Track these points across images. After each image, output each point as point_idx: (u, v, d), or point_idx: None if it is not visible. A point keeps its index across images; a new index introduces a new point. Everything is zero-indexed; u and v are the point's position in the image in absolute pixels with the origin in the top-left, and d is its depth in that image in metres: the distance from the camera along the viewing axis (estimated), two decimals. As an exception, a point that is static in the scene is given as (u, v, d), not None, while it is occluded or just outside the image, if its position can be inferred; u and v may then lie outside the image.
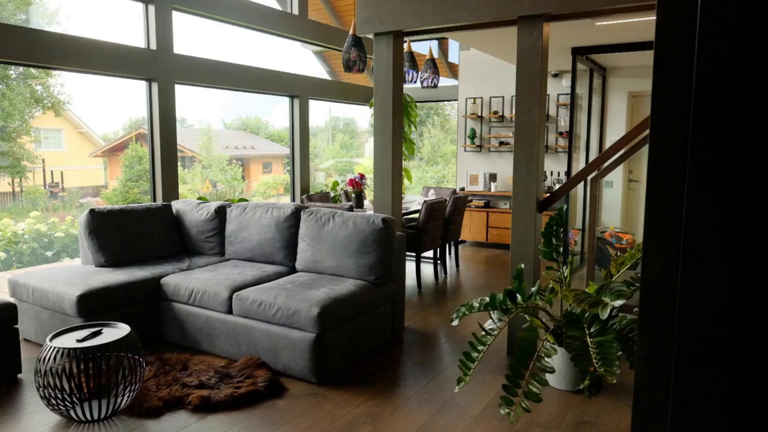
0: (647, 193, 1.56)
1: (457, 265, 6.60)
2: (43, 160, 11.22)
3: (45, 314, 3.78)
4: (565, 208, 3.21)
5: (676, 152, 1.49)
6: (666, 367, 1.59)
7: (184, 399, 3.05)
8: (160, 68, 5.60)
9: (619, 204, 7.18)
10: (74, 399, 2.77)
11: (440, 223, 5.75)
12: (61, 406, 2.77)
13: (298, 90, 7.61)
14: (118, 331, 3.01)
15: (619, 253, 5.98)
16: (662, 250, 1.55)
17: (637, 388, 1.65)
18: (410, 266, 5.82)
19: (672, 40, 1.43)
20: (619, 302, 2.31)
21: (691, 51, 1.40)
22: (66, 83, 11.10)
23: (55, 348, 2.76)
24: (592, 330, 2.55)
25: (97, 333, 2.96)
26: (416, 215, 5.96)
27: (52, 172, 11.53)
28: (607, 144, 7.14)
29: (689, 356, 1.55)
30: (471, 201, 7.78)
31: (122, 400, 2.88)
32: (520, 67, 3.49)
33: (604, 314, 2.28)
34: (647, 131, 3.32)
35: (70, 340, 2.86)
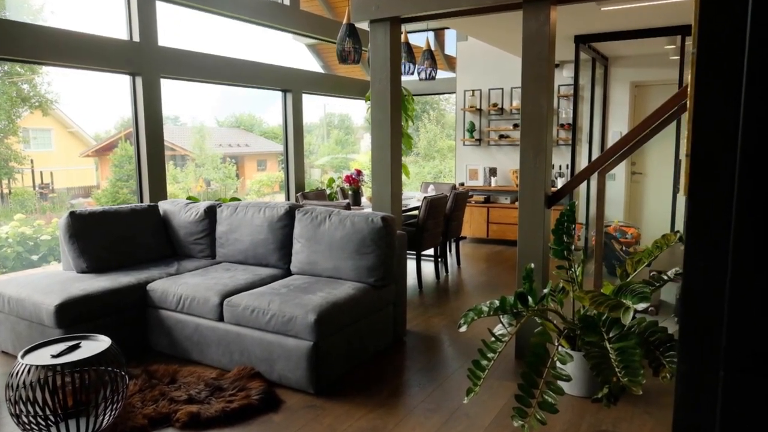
0: (689, 188, 1.34)
1: (459, 263, 6.40)
2: (32, 161, 10.98)
3: (22, 325, 3.56)
4: (575, 203, 3.00)
5: (724, 140, 1.28)
6: (712, 383, 1.38)
7: (171, 416, 2.83)
8: (144, 61, 5.36)
9: (622, 197, 6.98)
10: (49, 420, 2.55)
11: (441, 220, 5.54)
12: (35, 428, 2.55)
13: (290, 84, 7.37)
14: (98, 344, 2.78)
15: (624, 248, 5.79)
16: (707, 254, 1.33)
17: (678, 405, 1.44)
18: (410, 265, 5.60)
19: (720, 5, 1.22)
20: (642, 305, 2.11)
21: (744, 15, 1.19)
22: (53, 81, 10.84)
23: (26, 365, 2.53)
24: (611, 335, 2.35)
25: (75, 347, 2.74)
26: (416, 212, 5.74)
27: (41, 172, 11.29)
28: (610, 136, 6.94)
29: (740, 371, 1.34)
30: (471, 196, 7.57)
31: (104, 419, 2.66)
32: (525, 55, 3.27)
33: (627, 319, 2.08)
34: (660, 120, 3.11)
35: (44, 356, 2.63)
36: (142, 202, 5.48)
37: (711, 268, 1.30)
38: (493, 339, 2.55)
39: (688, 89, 1.64)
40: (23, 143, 11.00)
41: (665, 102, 2.93)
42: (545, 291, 2.76)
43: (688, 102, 1.54)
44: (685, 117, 4.42)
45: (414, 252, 5.30)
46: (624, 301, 2.16)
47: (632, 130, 3.12)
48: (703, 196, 1.27)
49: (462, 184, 7.84)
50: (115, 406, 2.69)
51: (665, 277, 2.55)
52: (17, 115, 10.94)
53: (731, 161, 1.25)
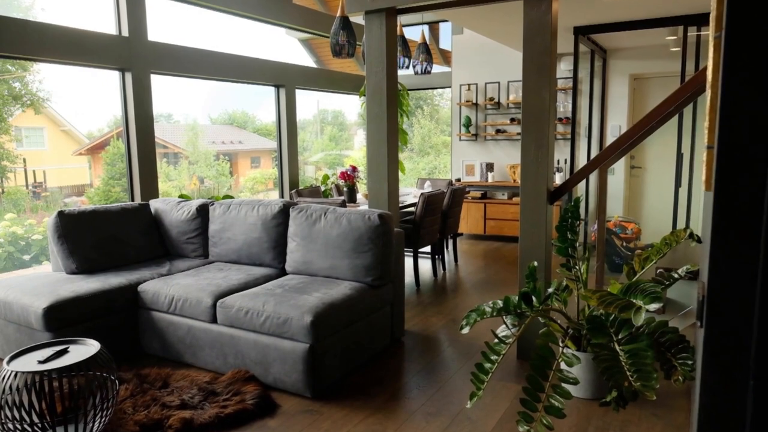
0: (716, 181, 1.25)
1: (456, 260, 6.31)
2: (24, 160, 10.84)
3: (10, 328, 3.45)
4: (580, 198, 2.91)
5: (755, 129, 1.19)
6: (740, 393, 1.29)
7: (163, 422, 2.73)
8: (133, 56, 5.23)
9: (622, 192, 6.91)
10: (36, 427, 2.45)
11: (438, 217, 5.44)
12: (21, 438, 2.44)
13: (284, 79, 7.25)
14: (87, 348, 2.68)
15: (624, 243, 5.72)
16: (735, 253, 1.24)
17: (702, 417, 1.35)
18: (407, 263, 5.50)
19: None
20: (654, 306, 2.02)
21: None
22: (45, 79, 10.69)
23: (12, 372, 2.43)
24: (620, 336, 2.26)
25: (63, 352, 2.63)
26: (412, 209, 5.65)
27: (34, 171, 11.16)
28: (609, 130, 6.86)
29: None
30: (468, 192, 7.48)
31: (93, 426, 2.56)
32: (526, 45, 3.18)
33: (639, 320, 1.99)
34: (668, 111, 3.02)
35: (30, 362, 2.52)
36: (133, 200, 5.37)
37: (739, 270, 1.21)
38: (496, 341, 2.46)
39: (708, 76, 1.54)
40: (15, 142, 10.87)
41: (673, 93, 2.84)
42: (550, 290, 2.67)
43: (709, 90, 1.44)
44: (688, 109, 4.31)
45: (411, 249, 5.21)
46: (635, 301, 2.07)
47: (639, 122, 3.03)
48: (732, 191, 1.18)
49: (458, 180, 7.75)
50: (105, 413, 2.59)
51: (676, 276, 2.46)
52: (9, 113, 10.79)
53: (763, 152, 1.16)
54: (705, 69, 2.66)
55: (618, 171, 6.82)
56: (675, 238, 2.48)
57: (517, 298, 2.55)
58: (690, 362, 2.13)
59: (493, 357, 2.44)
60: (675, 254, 3.87)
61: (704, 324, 1.27)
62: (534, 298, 2.56)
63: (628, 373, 2.00)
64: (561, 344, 2.52)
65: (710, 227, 1.26)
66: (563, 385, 2.23)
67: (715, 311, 1.23)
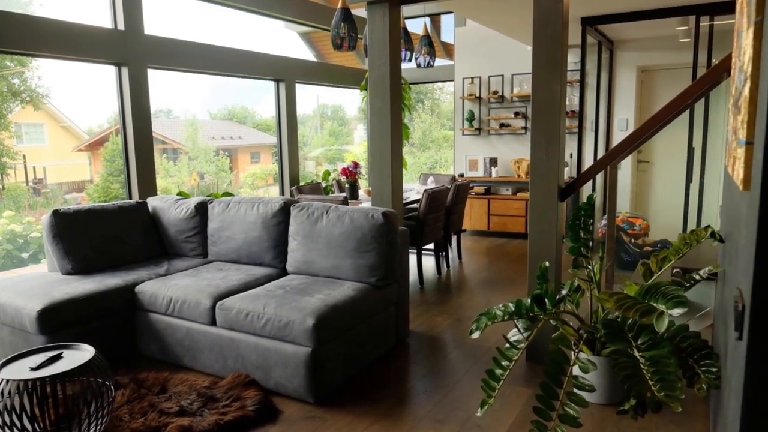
0: (762, 180, 1.14)
1: (460, 257, 6.20)
2: (24, 156, 10.77)
3: (4, 331, 3.35)
4: (594, 195, 2.79)
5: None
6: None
7: (161, 430, 2.63)
8: (129, 51, 5.11)
9: (629, 187, 6.78)
10: (27, 439, 2.35)
11: (442, 214, 5.33)
12: (12, 449, 2.34)
13: (283, 73, 7.12)
14: (81, 353, 2.57)
15: (633, 240, 5.60)
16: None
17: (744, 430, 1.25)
18: (410, 260, 5.39)
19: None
20: (678, 311, 1.90)
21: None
22: (44, 75, 10.60)
23: (3, 380, 2.33)
24: (640, 342, 2.15)
25: (57, 358, 2.53)
26: (415, 205, 5.53)
27: (34, 167, 11.09)
28: (615, 123, 6.73)
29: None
30: (472, 188, 7.35)
31: (87, 435, 2.46)
32: (537, 36, 3.05)
33: (662, 326, 1.88)
34: (686, 103, 2.89)
35: (22, 369, 2.42)
36: (130, 198, 5.25)
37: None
38: (507, 346, 2.35)
39: (744, 66, 1.42)
40: (15, 138, 10.80)
41: (692, 84, 2.72)
42: (563, 292, 2.56)
43: (748, 81, 1.32)
44: (699, 102, 4.12)
45: (414, 247, 5.10)
46: (656, 305, 1.95)
47: (655, 115, 2.91)
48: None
49: (462, 175, 7.62)
50: (100, 421, 2.49)
51: (697, 277, 2.35)
52: (8, 110, 10.71)
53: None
54: (728, 58, 2.54)
55: (625, 166, 6.69)
56: (695, 237, 2.36)
57: (528, 300, 2.44)
58: (714, 369, 2.02)
59: (505, 363, 2.33)
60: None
61: (747, 337, 1.16)
62: (546, 301, 2.45)
63: (650, 383, 1.89)
64: (574, 348, 2.41)
65: (753, 230, 1.15)
66: (578, 392, 2.13)
67: (762, 323, 1.12)
